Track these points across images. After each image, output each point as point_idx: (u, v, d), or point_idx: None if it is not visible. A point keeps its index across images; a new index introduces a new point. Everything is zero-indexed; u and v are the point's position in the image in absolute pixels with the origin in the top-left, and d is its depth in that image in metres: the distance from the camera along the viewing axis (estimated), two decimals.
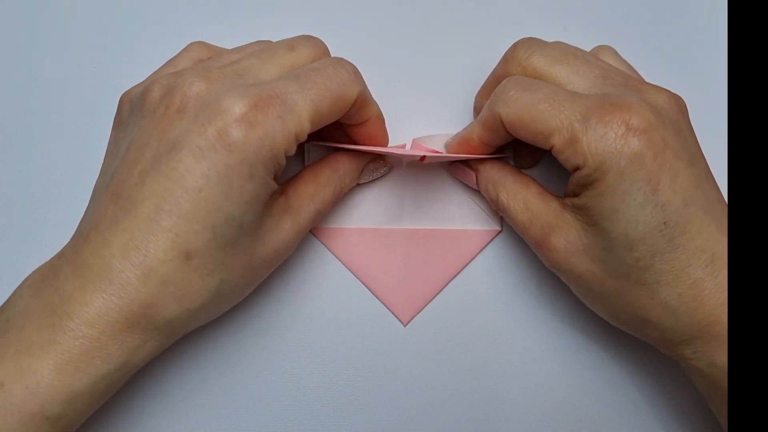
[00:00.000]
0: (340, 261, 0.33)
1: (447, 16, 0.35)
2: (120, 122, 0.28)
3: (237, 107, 0.23)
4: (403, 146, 0.32)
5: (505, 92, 0.26)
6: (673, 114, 0.26)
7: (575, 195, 0.27)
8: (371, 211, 0.33)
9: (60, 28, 0.35)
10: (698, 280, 0.25)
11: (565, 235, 0.27)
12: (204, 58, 0.29)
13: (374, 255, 0.32)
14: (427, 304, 0.33)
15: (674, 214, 0.24)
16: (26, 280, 0.26)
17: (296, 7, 0.35)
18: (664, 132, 0.25)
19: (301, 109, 0.25)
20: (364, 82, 0.28)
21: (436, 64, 0.35)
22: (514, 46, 0.28)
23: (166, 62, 0.29)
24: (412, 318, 0.32)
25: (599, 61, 0.28)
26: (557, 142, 0.25)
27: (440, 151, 0.31)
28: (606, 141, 0.24)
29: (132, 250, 0.23)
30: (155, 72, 0.29)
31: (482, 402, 0.32)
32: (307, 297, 0.32)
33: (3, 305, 0.25)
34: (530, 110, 0.26)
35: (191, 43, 0.30)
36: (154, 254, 0.23)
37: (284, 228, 0.27)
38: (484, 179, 0.31)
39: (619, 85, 0.26)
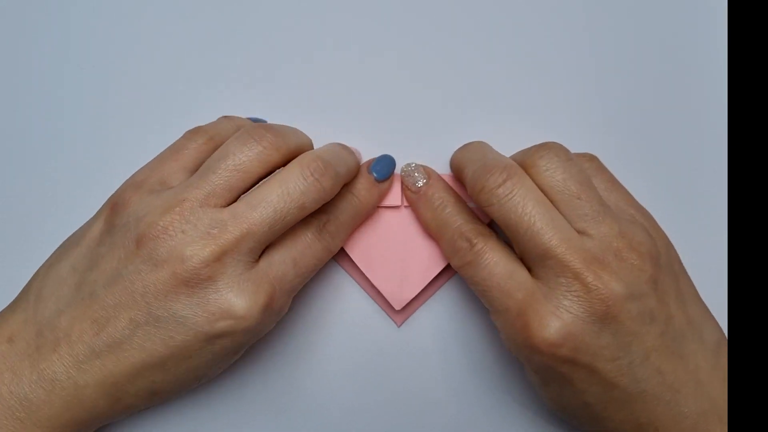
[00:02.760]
0: (334, 260, 0.33)
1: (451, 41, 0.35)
2: (111, 225, 0.26)
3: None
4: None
5: (498, 194, 0.26)
6: (628, 298, 0.24)
7: None
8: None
9: (59, 29, 0.35)
10: None
11: None
12: (213, 192, 0.26)
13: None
14: (420, 305, 0.33)
15: (594, 398, 0.25)
16: None
17: (302, 14, 0.35)
18: (589, 339, 0.24)
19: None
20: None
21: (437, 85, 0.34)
22: (533, 157, 0.27)
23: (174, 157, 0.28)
24: (406, 319, 0.32)
25: (586, 218, 0.26)
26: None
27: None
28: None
29: (110, 387, 0.25)
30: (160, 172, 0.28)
31: (477, 402, 0.32)
32: (300, 296, 0.32)
33: None
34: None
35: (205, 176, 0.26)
36: (130, 393, 0.25)
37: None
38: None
39: (584, 261, 0.25)
